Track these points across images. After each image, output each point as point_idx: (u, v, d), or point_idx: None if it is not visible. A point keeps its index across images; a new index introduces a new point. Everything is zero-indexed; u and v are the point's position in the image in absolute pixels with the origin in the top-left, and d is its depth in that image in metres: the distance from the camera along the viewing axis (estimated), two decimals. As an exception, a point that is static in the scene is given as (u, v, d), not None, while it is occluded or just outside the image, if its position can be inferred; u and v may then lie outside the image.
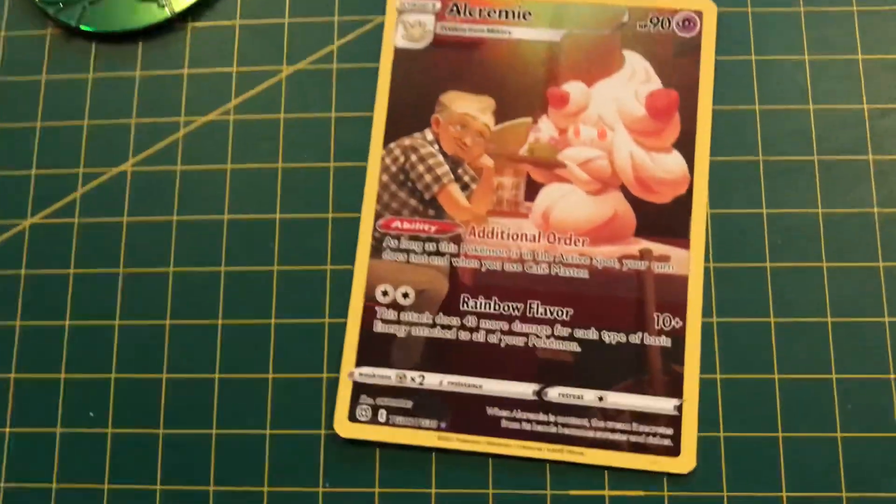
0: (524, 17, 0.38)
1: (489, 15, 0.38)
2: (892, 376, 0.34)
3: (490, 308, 0.35)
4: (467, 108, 0.37)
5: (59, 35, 0.40)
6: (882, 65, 0.37)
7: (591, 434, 0.34)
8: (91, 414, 0.36)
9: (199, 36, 0.39)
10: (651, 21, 0.37)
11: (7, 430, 0.36)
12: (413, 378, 0.35)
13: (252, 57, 0.39)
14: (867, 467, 0.33)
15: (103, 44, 0.40)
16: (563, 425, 0.34)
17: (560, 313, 0.35)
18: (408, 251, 0.36)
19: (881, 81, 0.37)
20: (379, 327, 0.35)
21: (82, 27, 0.40)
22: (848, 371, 0.34)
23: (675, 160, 0.36)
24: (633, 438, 0.34)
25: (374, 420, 0.34)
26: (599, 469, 0.34)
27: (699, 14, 0.37)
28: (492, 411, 0.34)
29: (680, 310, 0.35)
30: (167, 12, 0.39)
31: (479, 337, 0.35)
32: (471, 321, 0.35)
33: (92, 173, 0.38)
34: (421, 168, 0.37)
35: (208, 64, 0.39)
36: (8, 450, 0.36)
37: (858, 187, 0.36)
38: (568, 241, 0.36)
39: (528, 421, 0.34)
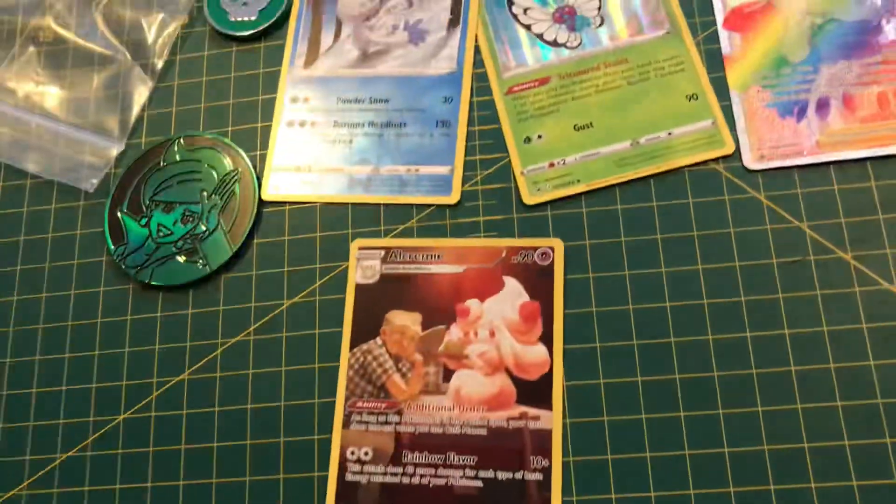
0: (438, 258, 0.57)
1: (416, 258, 0.57)
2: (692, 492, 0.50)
3: (422, 459, 0.52)
4: (404, 321, 0.56)
5: (138, 288, 0.60)
6: (675, 276, 0.54)
7: (491, 543, 0.50)
8: None
9: (229, 283, 0.59)
10: (520, 255, 0.56)
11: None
12: (372, 511, 0.52)
13: (264, 295, 0.58)
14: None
15: (167, 292, 0.60)
16: (473, 538, 0.51)
17: (469, 460, 0.52)
18: (367, 422, 0.54)
19: (676, 279, 0.54)
20: (349, 476, 0.53)
21: (152, 283, 0.59)
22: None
23: (540, 350, 0.54)
24: (520, 544, 0.50)
25: (348, 541, 0.52)
26: (498, 567, 0.50)
27: (552, 248, 0.56)
28: (424, 533, 0.51)
29: (548, 453, 0.51)
30: (207, 270, 0.59)
31: (416, 480, 0.52)
32: (409, 469, 0.52)
33: (161, 381, 0.57)
34: (374, 365, 0.55)
35: (235, 302, 0.58)
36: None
37: (664, 360, 0.53)
38: (472, 410, 0.53)
39: (449, 537, 0.51)
